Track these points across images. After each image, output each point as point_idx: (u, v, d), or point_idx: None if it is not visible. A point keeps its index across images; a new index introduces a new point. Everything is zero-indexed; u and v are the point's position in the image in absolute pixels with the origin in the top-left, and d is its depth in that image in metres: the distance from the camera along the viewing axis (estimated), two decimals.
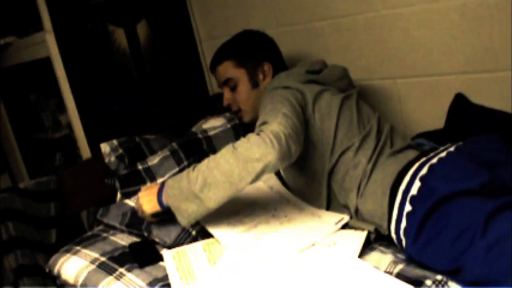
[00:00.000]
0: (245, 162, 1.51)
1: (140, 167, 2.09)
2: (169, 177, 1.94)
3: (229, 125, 2.29)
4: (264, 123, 1.62)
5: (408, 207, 1.51)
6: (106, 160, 2.09)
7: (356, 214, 1.69)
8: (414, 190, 1.51)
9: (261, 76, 2.04)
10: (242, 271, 1.52)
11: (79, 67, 2.23)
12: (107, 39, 2.36)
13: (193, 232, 1.77)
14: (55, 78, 2.28)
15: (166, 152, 2.13)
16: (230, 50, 2.08)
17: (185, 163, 2.11)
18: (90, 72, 2.28)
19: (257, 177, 1.53)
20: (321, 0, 2.22)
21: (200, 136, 2.21)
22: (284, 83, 1.81)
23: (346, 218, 1.68)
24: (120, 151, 2.09)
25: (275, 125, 1.56)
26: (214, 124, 2.26)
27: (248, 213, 1.79)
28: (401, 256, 1.52)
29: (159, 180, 2.06)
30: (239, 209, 1.74)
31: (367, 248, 1.57)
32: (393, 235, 1.56)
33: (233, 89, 2.06)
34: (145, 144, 2.17)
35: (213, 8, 2.65)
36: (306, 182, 1.82)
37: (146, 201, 1.69)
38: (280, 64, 2.08)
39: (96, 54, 2.30)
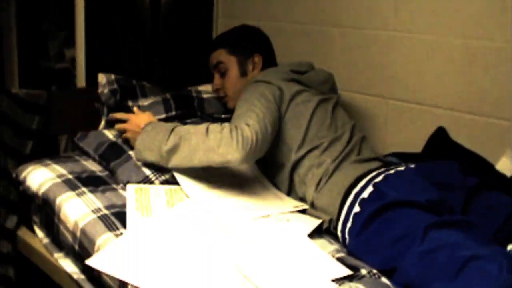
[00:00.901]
0: (209, 150, 1.65)
1: (130, 103, 2.15)
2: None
3: None
4: (238, 119, 1.73)
5: (356, 208, 1.60)
6: (99, 90, 2.14)
7: (311, 208, 1.77)
8: (365, 194, 1.62)
9: (250, 67, 2.14)
10: (195, 221, 1.59)
11: (98, 4, 2.29)
12: None
13: (156, 182, 1.82)
14: (72, 9, 2.34)
15: (158, 98, 2.20)
16: (226, 39, 2.21)
17: (173, 113, 2.18)
18: (107, 11, 2.33)
19: (213, 165, 1.69)
20: (339, 7, 2.32)
21: (194, 94, 2.28)
22: (267, 78, 1.90)
23: (305, 206, 1.76)
24: (115, 86, 2.15)
25: (247, 127, 1.67)
26: (209, 89, 2.34)
27: (217, 176, 1.86)
28: (344, 250, 1.60)
29: None
30: (210, 169, 1.80)
31: (316, 234, 1.64)
32: (339, 233, 1.65)
33: (223, 75, 2.16)
34: (140, 88, 2.23)
35: None
36: (271, 169, 1.92)
37: (131, 134, 1.89)
38: (270, 60, 2.19)
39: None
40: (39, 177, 1.86)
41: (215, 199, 1.73)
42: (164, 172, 1.83)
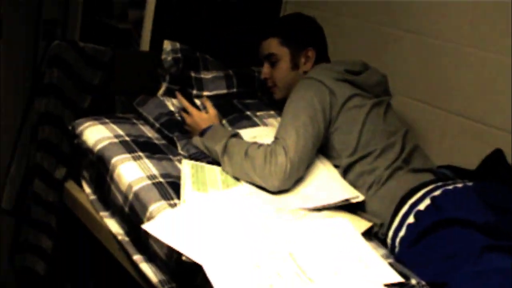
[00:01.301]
0: (247, 175, 1.71)
1: (193, 74, 2.15)
2: (215, 95, 2.12)
3: None
4: (279, 134, 1.73)
5: (411, 219, 1.59)
6: (163, 57, 2.15)
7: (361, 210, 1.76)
8: (422, 206, 1.60)
9: (303, 60, 2.06)
10: (251, 205, 1.59)
11: None
12: None
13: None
14: None
15: (220, 73, 2.20)
16: (279, 27, 2.11)
17: (234, 89, 2.20)
18: None
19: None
20: (414, 13, 2.27)
21: (256, 74, 2.28)
22: (321, 77, 1.85)
23: (361, 197, 1.72)
24: (179, 55, 2.15)
25: (283, 153, 1.67)
26: None
27: None
28: (391, 257, 1.59)
29: (205, 93, 2.16)
30: None
31: (365, 237, 1.62)
32: (389, 241, 1.63)
33: (273, 64, 2.08)
34: (202, 61, 2.23)
35: None
36: None
37: (191, 128, 1.95)
38: (323, 54, 2.11)
39: None
40: (96, 134, 1.87)
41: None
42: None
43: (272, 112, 2.12)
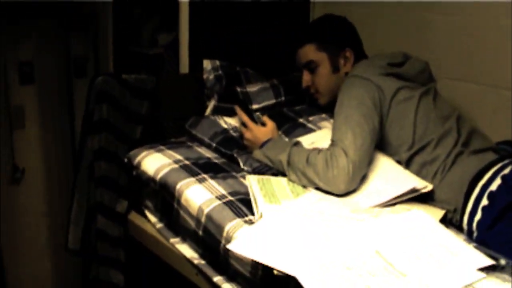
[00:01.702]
0: (312, 182, 1.71)
1: (238, 89, 2.16)
2: (265, 106, 2.13)
3: None
4: (335, 137, 1.73)
5: (484, 201, 1.57)
6: (205, 76, 2.16)
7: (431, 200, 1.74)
8: (493, 187, 1.58)
9: (342, 61, 2.05)
10: (326, 209, 1.59)
11: None
12: None
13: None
14: None
15: (266, 84, 2.21)
16: (313, 33, 2.09)
17: (282, 98, 2.20)
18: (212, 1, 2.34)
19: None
20: None
21: (299, 80, 2.26)
22: (365, 74, 1.83)
23: (429, 187, 1.71)
24: (220, 72, 2.16)
25: (343, 154, 1.66)
26: None
27: None
28: (471, 242, 1.57)
29: (254, 106, 2.16)
30: None
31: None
32: (465, 226, 1.61)
33: (313, 71, 2.06)
34: (244, 74, 2.24)
35: None
36: None
37: (250, 143, 1.94)
38: (360, 52, 2.09)
39: None
40: (155, 162, 1.88)
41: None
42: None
43: (323, 115, 2.11)
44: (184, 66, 2.28)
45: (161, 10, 2.71)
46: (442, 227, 1.52)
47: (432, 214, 1.60)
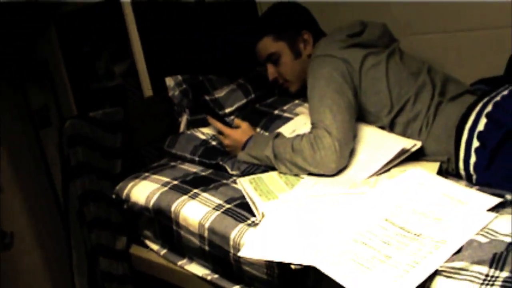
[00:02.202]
0: (303, 169, 1.70)
1: (207, 98, 2.13)
2: (237, 108, 2.11)
3: None
4: (314, 118, 1.72)
5: (476, 143, 1.57)
6: (170, 94, 2.13)
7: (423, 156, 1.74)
8: (480, 126, 1.58)
9: (302, 45, 2.03)
10: (326, 191, 1.58)
11: (146, 6, 2.26)
12: None
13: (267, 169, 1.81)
14: (113, 25, 2.31)
15: (232, 86, 2.19)
16: (267, 25, 2.07)
17: (253, 95, 2.19)
18: (153, 14, 2.31)
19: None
20: None
21: (264, 73, 2.23)
22: (328, 51, 1.83)
23: (418, 144, 1.70)
24: (184, 86, 2.14)
25: (326, 134, 1.66)
26: None
27: None
28: (472, 186, 1.57)
29: (227, 110, 2.14)
30: None
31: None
32: (462, 172, 1.61)
33: (276, 62, 2.05)
34: (208, 82, 2.22)
35: None
36: None
37: (232, 148, 1.94)
38: (318, 31, 2.07)
39: None
40: (144, 190, 1.84)
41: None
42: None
43: (297, 101, 2.08)
44: (148, 90, 2.24)
45: (110, 41, 2.67)
46: (441, 178, 1.52)
47: (428, 169, 1.60)
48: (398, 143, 1.69)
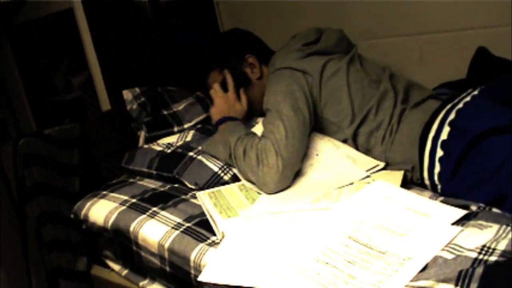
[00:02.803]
0: (251, 175, 1.67)
1: (165, 112, 2.08)
2: (197, 122, 2.05)
3: None
4: (267, 135, 1.66)
5: (439, 152, 1.53)
6: (128, 108, 2.07)
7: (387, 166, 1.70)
8: (444, 135, 1.54)
9: (249, 70, 1.98)
10: (286, 207, 1.53)
11: (100, 17, 2.19)
12: None
13: (225, 177, 1.76)
14: (68, 36, 2.25)
15: (191, 100, 2.13)
16: (209, 60, 2.05)
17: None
18: (108, 26, 2.24)
19: None
20: None
21: None
22: (286, 63, 1.78)
23: (381, 165, 1.66)
24: (143, 98, 2.08)
25: (272, 150, 1.60)
26: None
27: None
28: (437, 196, 1.53)
29: (186, 125, 2.10)
30: None
31: (404, 187, 1.55)
32: (427, 181, 1.57)
33: (225, 88, 1.97)
34: (167, 94, 2.16)
35: None
36: None
37: (217, 109, 1.91)
38: (264, 50, 2.03)
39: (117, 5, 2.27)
40: (102, 210, 1.78)
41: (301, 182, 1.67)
42: (232, 166, 1.77)
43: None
44: (105, 103, 2.18)
45: (67, 52, 2.59)
46: (405, 191, 1.49)
47: (392, 178, 1.57)
48: (359, 172, 1.64)
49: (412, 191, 1.53)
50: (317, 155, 1.73)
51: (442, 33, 2.08)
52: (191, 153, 1.85)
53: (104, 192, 1.87)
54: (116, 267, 1.84)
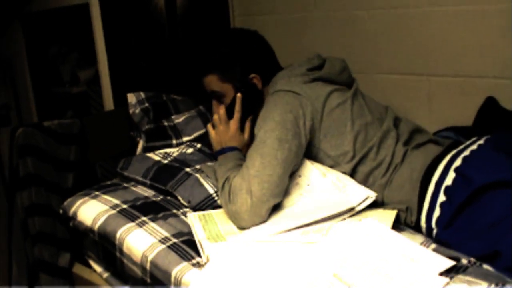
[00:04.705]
0: (225, 208, 1.63)
1: (166, 123, 2.06)
2: (196, 137, 2.02)
3: None
4: (242, 169, 1.60)
5: (442, 197, 1.51)
6: (131, 111, 2.06)
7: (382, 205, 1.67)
8: (448, 181, 1.52)
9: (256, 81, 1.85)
10: (273, 238, 1.51)
11: (115, 17, 2.19)
12: None
13: (219, 201, 1.71)
14: (81, 29, 2.24)
15: (192, 113, 2.12)
16: (213, 62, 1.85)
17: None
18: (122, 25, 2.24)
19: None
20: None
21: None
22: (288, 86, 1.70)
23: (372, 197, 1.61)
24: (146, 104, 2.07)
25: (245, 188, 1.56)
26: None
27: None
28: (430, 241, 1.52)
29: (185, 139, 2.07)
30: None
31: (396, 228, 1.53)
32: (423, 224, 1.54)
33: (220, 101, 1.85)
34: (171, 103, 2.15)
35: None
36: None
37: (217, 138, 1.80)
38: (271, 68, 1.87)
39: (133, 8, 2.26)
40: (92, 210, 1.77)
41: (286, 212, 1.64)
42: None
43: None
44: (109, 103, 2.17)
45: (77, 45, 2.59)
46: (396, 233, 1.47)
47: (384, 217, 1.55)
48: (346, 204, 1.60)
49: (403, 233, 1.52)
50: (308, 185, 1.69)
51: (451, 77, 2.07)
52: (188, 169, 1.84)
53: (97, 193, 1.86)
54: (98, 268, 1.83)
